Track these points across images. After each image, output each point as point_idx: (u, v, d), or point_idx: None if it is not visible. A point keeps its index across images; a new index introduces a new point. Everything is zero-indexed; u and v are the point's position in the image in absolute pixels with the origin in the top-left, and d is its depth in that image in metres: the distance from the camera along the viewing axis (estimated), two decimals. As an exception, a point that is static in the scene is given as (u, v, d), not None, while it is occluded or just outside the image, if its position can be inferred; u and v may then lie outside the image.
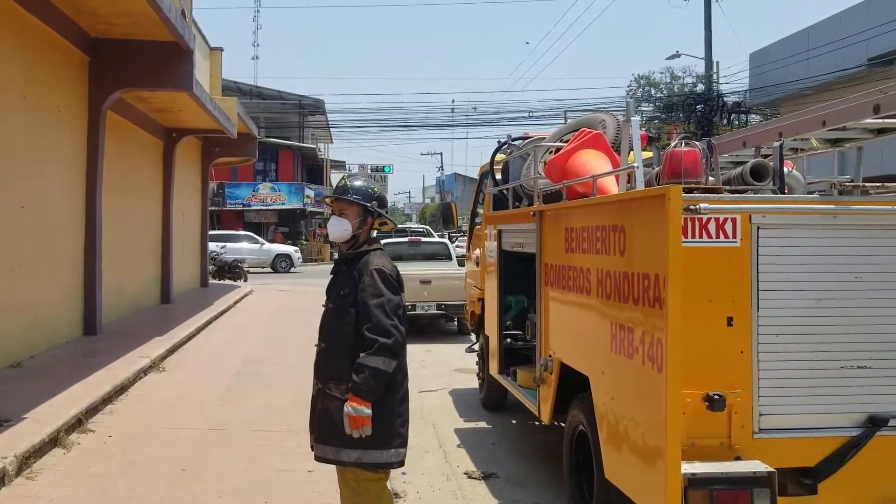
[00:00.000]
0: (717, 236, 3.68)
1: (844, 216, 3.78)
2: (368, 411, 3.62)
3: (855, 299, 3.80)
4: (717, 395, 3.62)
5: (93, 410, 6.96)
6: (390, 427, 3.78)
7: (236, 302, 16.95)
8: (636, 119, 4.33)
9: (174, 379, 8.89)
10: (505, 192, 6.95)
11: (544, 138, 6.79)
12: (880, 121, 3.94)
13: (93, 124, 10.80)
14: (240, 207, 39.28)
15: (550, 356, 5.40)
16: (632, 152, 4.36)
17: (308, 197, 41.63)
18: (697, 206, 3.56)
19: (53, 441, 5.96)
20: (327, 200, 4.20)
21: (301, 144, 43.19)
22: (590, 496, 4.88)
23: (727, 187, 4.08)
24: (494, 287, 7.17)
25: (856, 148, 4.52)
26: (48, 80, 9.61)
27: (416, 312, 13.40)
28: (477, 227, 9.02)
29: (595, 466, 4.61)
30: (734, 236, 3.69)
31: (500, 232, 7.05)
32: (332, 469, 5.41)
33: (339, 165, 51.65)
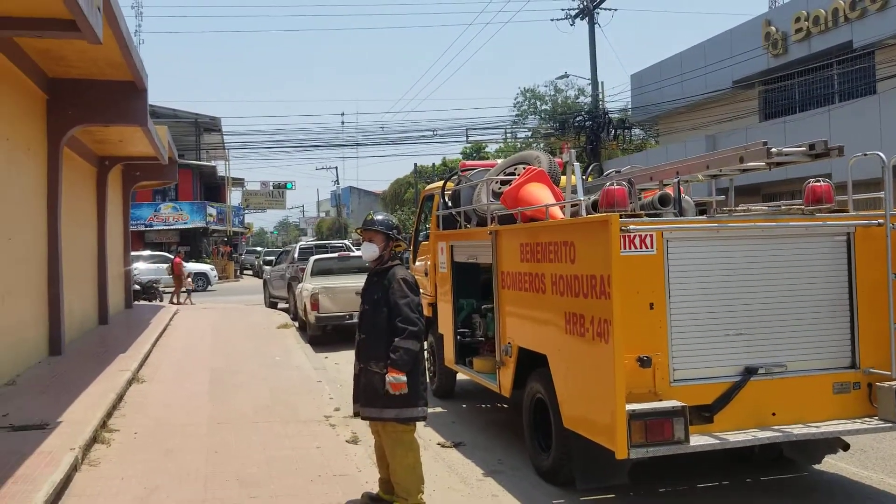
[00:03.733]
0: (641, 247, 5.29)
1: (724, 230, 5.49)
2: (404, 378, 5.13)
3: (733, 287, 5.49)
4: (646, 357, 5.22)
5: (107, 415, 8.00)
6: (417, 391, 5.27)
7: (170, 320, 17.72)
8: (577, 164, 5.95)
9: (157, 388, 9.90)
10: (456, 214, 8.48)
11: (489, 171, 8.36)
12: (742, 165, 5.68)
13: (52, 159, 11.61)
14: (141, 228, 39.15)
15: (509, 343, 6.93)
16: (575, 185, 5.98)
17: (210, 215, 41.95)
18: (628, 228, 5.16)
19: (93, 439, 7.01)
20: (358, 231, 5.65)
21: (201, 163, 43.45)
22: (546, 446, 6.43)
23: (644, 212, 5.72)
24: (448, 292, 8.64)
25: (728, 180, 6.30)
26: (20, 121, 10.43)
27: (354, 321, 14.67)
28: (423, 243, 10.48)
29: (553, 421, 6.16)
30: (652, 247, 5.31)
31: (451, 247, 8.54)
32: (337, 444, 6.96)
33: (238, 183, 51.93)
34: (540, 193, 6.65)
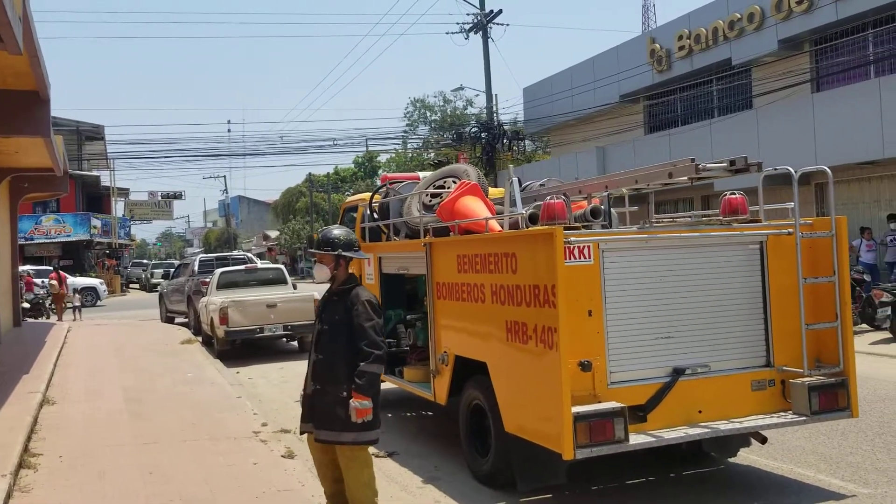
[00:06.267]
0: (580, 258, 5.60)
1: (653, 241, 5.89)
2: (370, 404, 5.04)
3: (662, 293, 5.88)
4: (587, 361, 5.52)
5: (27, 438, 7.67)
6: (377, 414, 5.20)
7: (65, 338, 16.97)
8: (516, 179, 6.22)
9: (71, 409, 9.52)
10: (383, 226, 8.63)
11: (416, 183, 8.55)
12: (670, 180, 6.10)
13: (-56, 172, 10.99)
14: (21, 241, 37.02)
15: (446, 352, 7.12)
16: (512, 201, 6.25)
17: (95, 227, 40.20)
18: (569, 239, 5.47)
19: (20, 464, 6.74)
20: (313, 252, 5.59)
21: (84, 173, 41.58)
22: (484, 451, 6.65)
23: (578, 224, 6.05)
24: (376, 304, 8.74)
25: (652, 193, 6.73)
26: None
27: (264, 335, 14.56)
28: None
29: (493, 426, 6.38)
30: (590, 257, 5.63)
31: (380, 259, 8.67)
32: (274, 459, 6.97)
33: (122, 193, 49.98)
34: (475, 206, 6.90)
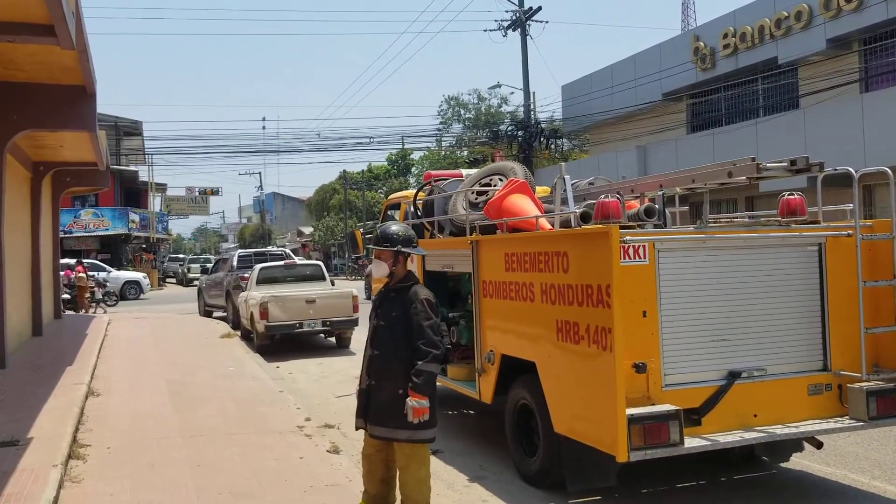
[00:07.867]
0: (635, 258, 5.51)
1: (710, 241, 5.77)
2: (427, 403, 4.98)
3: (717, 294, 5.76)
4: (642, 363, 5.43)
5: (75, 429, 7.76)
6: (433, 413, 5.14)
7: (106, 331, 17.20)
8: (568, 177, 6.14)
9: (116, 401, 9.63)
10: (427, 223, 8.60)
11: (459, 181, 8.50)
12: (729, 179, 5.97)
13: (-6, 166, 11.17)
14: (60, 234, 37.67)
15: (492, 351, 7.05)
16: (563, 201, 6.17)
17: (133, 222, 40.74)
18: (625, 239, 5.37)
19: (70, 455, 6.82)
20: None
21: (122, 168, 42.15)
22: (531, 451, 6.58)
23: (632, 223, 5.95)
24: (420, 301, 8.71)
25: (706, 193, 6.61)
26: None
27: (304, 330, 14.62)
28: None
29: (541, 426, 6.30)
30: (645, 258, 5.54)
31: (423, 256, 8.61)
32: (319, 454, 6.94)
33: (159, 188, 50.66)
34: (524, 204, 6.82)
